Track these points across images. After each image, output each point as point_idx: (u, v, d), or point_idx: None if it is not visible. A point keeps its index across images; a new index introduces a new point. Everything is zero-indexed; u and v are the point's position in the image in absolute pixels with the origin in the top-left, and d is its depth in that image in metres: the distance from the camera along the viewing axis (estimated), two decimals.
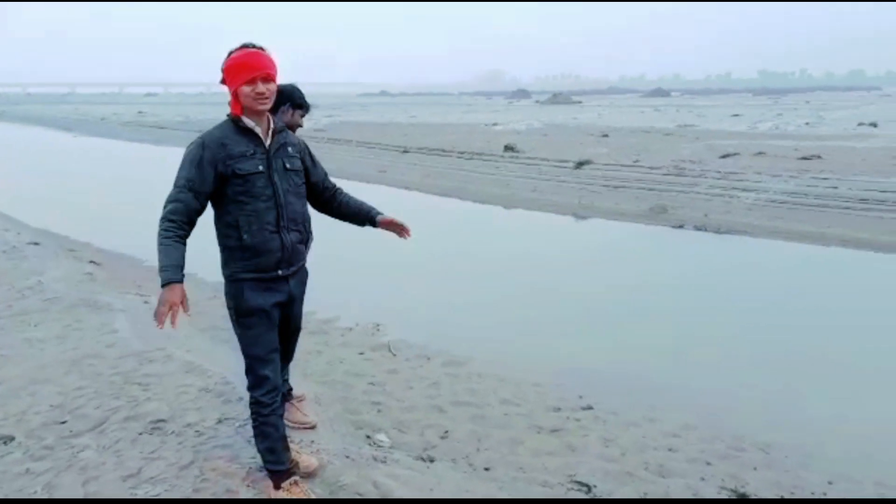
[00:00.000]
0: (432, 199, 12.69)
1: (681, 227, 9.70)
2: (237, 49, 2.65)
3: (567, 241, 9.65)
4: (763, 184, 11.57)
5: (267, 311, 2.75)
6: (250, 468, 3.15)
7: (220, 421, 3.68)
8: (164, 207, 2.63)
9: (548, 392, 4.49)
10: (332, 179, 3.12)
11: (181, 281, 2.57)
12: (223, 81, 2.67)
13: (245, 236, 2.66)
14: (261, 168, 2.68)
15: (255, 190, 2.66)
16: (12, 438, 3.47)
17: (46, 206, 12.29)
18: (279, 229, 2.73)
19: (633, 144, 18.59)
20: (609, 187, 12.57)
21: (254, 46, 2.66)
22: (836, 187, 10.86)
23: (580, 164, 14.27)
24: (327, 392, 4.31)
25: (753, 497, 3.26)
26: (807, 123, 25.57)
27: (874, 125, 23.83)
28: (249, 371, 2.81)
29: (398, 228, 3.10)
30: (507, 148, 17.09)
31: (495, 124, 29.52)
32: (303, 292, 2.98)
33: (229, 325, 5.33)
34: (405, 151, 19.04)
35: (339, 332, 5.65)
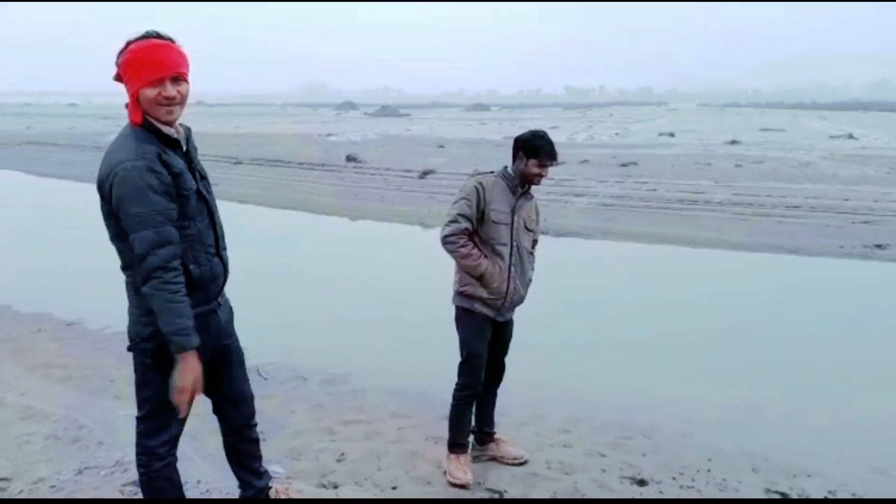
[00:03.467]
0: (276, 212, 12.14)
1: None
2: (138, 39, 2.12)
3: (424, 250, 9.69)
4: (592, 189, 12.48)
5: (198, 353, 2.26)
6: None
7: (79, 472, 3.16)
8: (149, 256, 2.07)
9: (435, 401, 4.41)
10: None
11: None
12: (117, 78, 2.14)
13: (192, 267, 2.18)
14: (193, 183, 2.23)
15: (191, 209, 2.20)
16: None
17: None
18: (218, 250, 2.34)
19: (469, 155, 19.25)
20: (454, 196, 12.84)
21: (160, 36, 2.13)
22: (655, 189, 11.99)
23: (424, 174, 14.46)
24: (198, 425, 3.87)
25: (649, 480, 3.41)
26: (616, 134, 28.17)
27: (672, 135, 26.81)
28: (149, 416, 2.35)
29: None
30: (349, 158, 16.88)
31: (329, 135, 29.07)
32: (229, 323, 2.56)
33: (65, 361, 4.66)
34: (237, 163, 18.10)
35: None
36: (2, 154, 23.44)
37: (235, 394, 2.62)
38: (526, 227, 3.32)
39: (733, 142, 22.25)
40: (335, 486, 3.27)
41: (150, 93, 2.10)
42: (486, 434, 3.58)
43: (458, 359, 3.35)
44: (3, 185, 16.92)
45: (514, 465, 3.51)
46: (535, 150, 3.17)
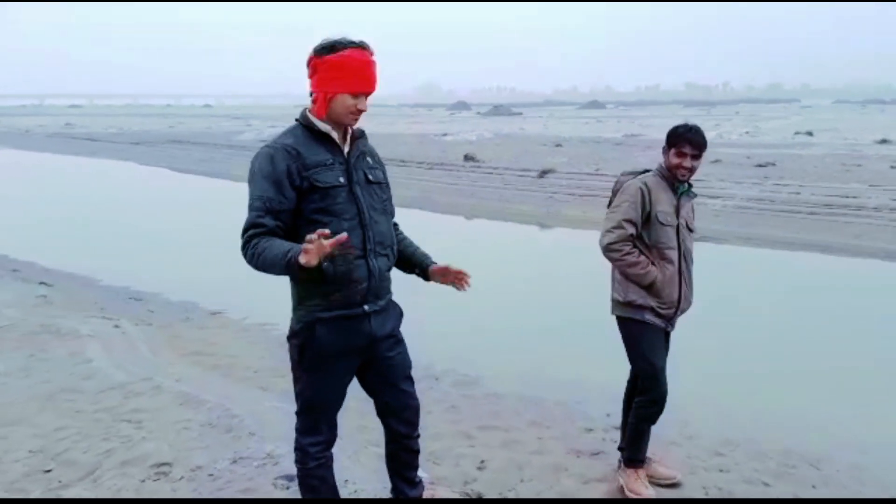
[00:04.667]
0: (416, 213, 12.34)
1: None
2: (344, 45, 2.16)
3: (548, 250, 9.48)
4: (728, 190, 11.73)
5: (340, 360, 2.31)
6: None
7: (234, 461, 3.24)
8: (242, 236, 2.16)
9: (574, 412, 4.22)
10: None
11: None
12: (311, 75, 2.20)
13: (325, 265, 2.13)
14: (342, 180, 2.23)
15: (336, 206, 2.20)
16: None
17: None
18: (366, 254, 2.27)
19: (589, 154, 18.72)
20: (575, 196, 12.51)
21: (365, 47, 2.19)
22: (798, 193, 11.09)
23: (543, 173, 14.20)
24: (344, 421, 3.89)
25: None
26: (747, 132, 26.46)
27: (810, 134, 24.85)
28: (301, 412, 2.41)
29: (455, 277, 2.53)
30: (467, 157, 16.90)
31: (445, 135, 29.35)
32: (395, 332, 2.49)
33: (213, 349, 4.84)
34: None
35: None
36: (150, 151, 25.51)
37: (396, 402, 2.56)
38: (688, 228, 3.06)
39: (883, 141, 20.26)
40: (479, 496, 3.16)
41: (349, 101, 2.19)
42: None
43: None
44: (149, 180, 18.34)
45: (664, 485, 3.26)
46: (674, 137, 2.95)
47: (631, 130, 31.72)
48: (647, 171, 3.13)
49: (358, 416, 4.02)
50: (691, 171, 2.97)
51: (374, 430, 3.80)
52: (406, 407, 2.58)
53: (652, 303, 2.99)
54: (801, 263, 8.25)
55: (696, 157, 2.95)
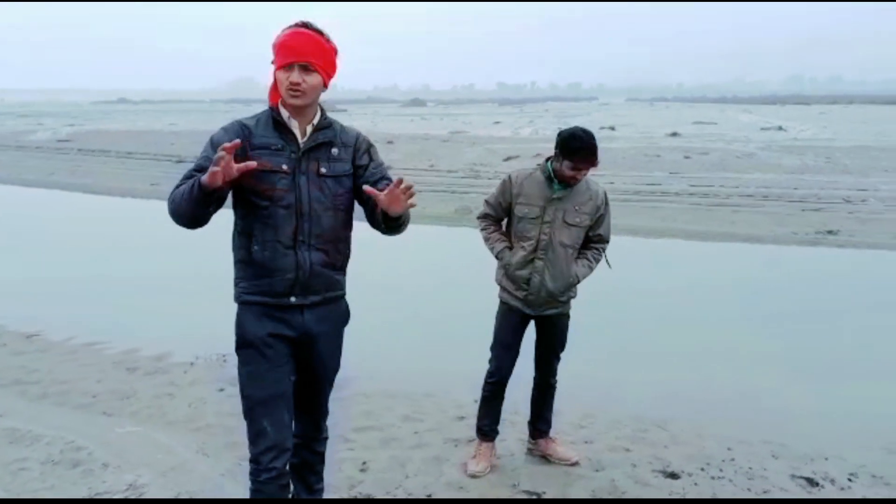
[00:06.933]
0: None
1: None
2: (289, 26, 2.21)
3: (396, 246, 9.50)
4: None
5: (266, 346, 2.22)
6: None
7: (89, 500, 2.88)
8: (171, 192, 2.13)
9: (444, 403, 4.29)
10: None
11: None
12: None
13: (255, 248, 2.19)
14: (284, 167, 2.18)
15: (274, 193, 2.17)
16: None
17: None
18: (296, 244, 2.19)
19: (421, 150, 19.08)
20: (416, 192, 12.68)
21: (307, 26, 2.20)
22: (612, 182, 12.17)
23: None
24: (209, 440, 3.63)
25: (680, 472, 3.40)
26: (559, 128, 28.43)
27: (613, 128, 27.38)
28: (246, 417, 2.28)
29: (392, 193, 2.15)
30: None
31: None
32: (333, 333, 2.39)
33: (36, 376, 4.34)
34: (179, 161, 17.38)
35: (180, 368, 4.83)
36: None
37: (307, 403, 2.47)
38: (565, 221, 3.19)
39: (674, 134, 22.90)
40: (367, 499, 3.11)
41: (282, 77, 2.17)
42: (537, 430, 3.54)
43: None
44: None
45: (563, 465, 3.44)
46: (571, 152, 3.06)
47: (455, 127, 32.77)
48: (538, 165, 3.29)
49: (226, 432, 3.78)
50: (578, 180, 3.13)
51: (244, 445, 3.60)
52: (313, 408, 2.52)
53: (507, 284, 3.30)
54: (617, 246, 9.04)
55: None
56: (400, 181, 2.13)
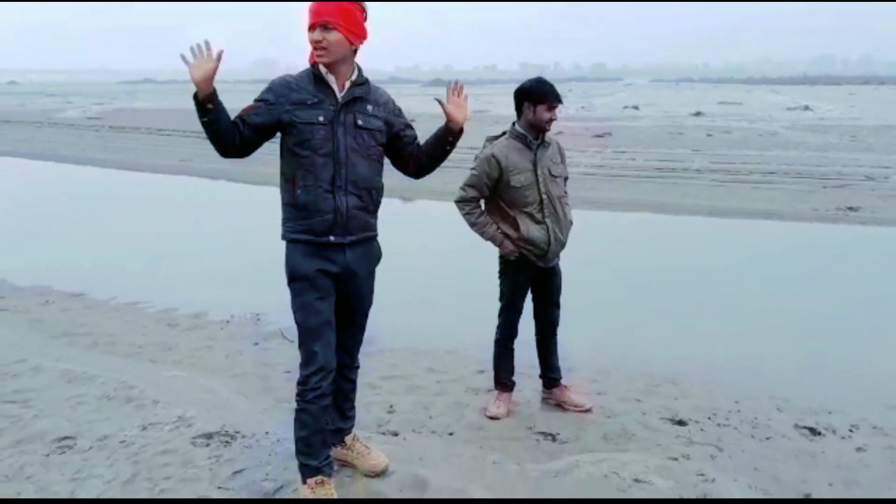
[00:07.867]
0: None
1: None
2: None
3: (415, 220, 9.72)
4: (573, 159, 12.64)
5: (315, 279, 2.48)
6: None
7: (144, 428, 3.17)
8: None
9: (465, 358, 4.52)
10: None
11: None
12: None
13: (299, 192, 2.45)
14: (321, 119, 2.44)
15: (314, 142, 2.43)
16: None
17: None
18: (334, 189, 2.46)
19: None
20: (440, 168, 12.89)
21: None
22: (634, 159, 12.25)
23: None
24: (246, 385, 3.92)
25: (687, 420, 3.60)
26: (582, 107, 28.48)
27: (636, 108, 27.23)
28: (300, 345, 2.55)
29: (453, 101, 2.68)
30: None
31: None
32: (368, 270, 2.67)
33: (85, 329, 4.65)
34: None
35: (217, 325, 5.13)
36: None
37: (343, 334, 2.71)
38: (551, 175, 3.40)
39: (698, 113, 22.77)
40: (395, 434, 3.36)
41: (309, 37, 2.43)
42: (550, 379, 3.75)
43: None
44: None
45: (577, 411, 3.66)
46: (542, 95, 3.27)
47: (477, 107, 32.76)
48: (503, 133, 3.44)
49: (262, 380, 4.07)
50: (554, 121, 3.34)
51: (279, 390, 3.88)
52: (348, 339, 2.77)
53: (522, 248, 3.40)
54: (640, 221, 9.17)
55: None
56: (455, 87, 2.61)
